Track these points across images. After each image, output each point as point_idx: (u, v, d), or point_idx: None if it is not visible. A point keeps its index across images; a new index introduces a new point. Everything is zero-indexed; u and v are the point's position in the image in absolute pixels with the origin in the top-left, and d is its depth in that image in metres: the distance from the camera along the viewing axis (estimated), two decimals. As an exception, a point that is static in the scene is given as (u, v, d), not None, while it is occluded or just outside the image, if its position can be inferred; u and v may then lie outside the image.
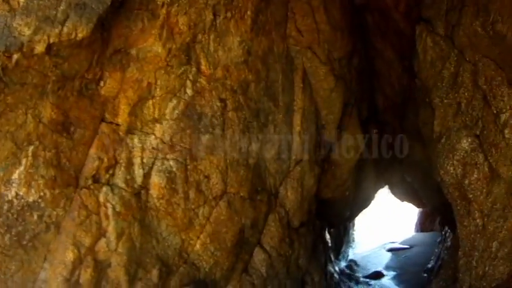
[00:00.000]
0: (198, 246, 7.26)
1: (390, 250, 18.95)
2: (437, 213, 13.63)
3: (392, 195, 19.47)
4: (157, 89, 6.73)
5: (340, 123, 11.51)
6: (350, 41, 10.57)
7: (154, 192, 6.75)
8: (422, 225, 21.42)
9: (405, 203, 19.67)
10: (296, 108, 9.24)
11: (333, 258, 15.52)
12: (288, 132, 9.04)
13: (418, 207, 19.50)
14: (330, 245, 15.19)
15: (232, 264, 7.84)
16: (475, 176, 6.74)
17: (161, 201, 6.81)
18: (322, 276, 11.76)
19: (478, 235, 6.70)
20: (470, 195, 6.76)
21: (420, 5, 8.69)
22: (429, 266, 14.99)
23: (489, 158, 6.54)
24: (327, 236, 15.08)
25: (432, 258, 15.47)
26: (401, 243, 19.89)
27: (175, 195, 6.90)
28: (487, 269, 6.41)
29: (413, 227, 22.33)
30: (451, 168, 7.09)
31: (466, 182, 6.82)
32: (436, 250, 15.42)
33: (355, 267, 16.55)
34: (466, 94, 7.03)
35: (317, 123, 10.14)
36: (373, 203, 17.42)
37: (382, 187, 17.79)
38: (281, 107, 8.76)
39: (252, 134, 8.06)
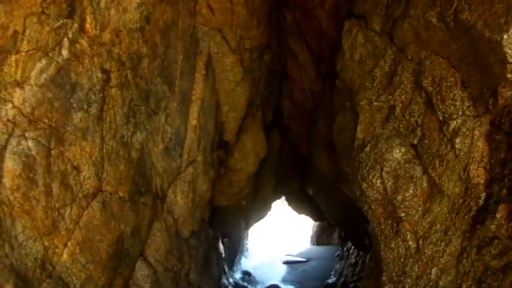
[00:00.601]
0: (65, 256, 5.55)
1: (286, 263, 18.19)
2: (341, 229, 13.06)
3: (289, 207, 18.80)
4: (25, 42, 5.01)
5: (242, 123, 10.43)
6: (266, 32, 9.41)
7: (7, 181, 4.96)
8: (319, 239, 21.07)
9: (302, 215, 19.13)
10: (194, 99, 7.87)
11: (226, 269, 14.35)
12: (182, 125, 7.62)
13: (315, 220, 19.04)
14: (223, 255, 14.02)
15: (110, 280, 6.24)
16: (411, 191, 5.79)
17: (16, 195, 5.01)
18: (216, 291, 10.50)
19: (411, 259, 5.76)
20: (402, 214, 5.79)
21: (351, 1, 7.84)
22: (329, 281, 14.37)
23: (430, 171, 5.56)
24: (221, 247, 13.88)
25: (332, 273, 14.88)
26: (297, 256, 19.27)
27: (34, 187, 5.15)
28: (427, 298, 5.56)
29: (309, 239, 21.94)
30: (377, 182, 6.12)
31: (399, 197, 5.84)
32: (337, 266, 14.88)
33: (250, 280, 15.48)
34: (403, 97, 6.09)
35: (216, 120, 8.87)
36: (269, 213, 16.55)
37: (279, 197, 17.01)
38: (177, 93, 7.34)
39: (138, 120, 6.51)
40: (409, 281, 5.78)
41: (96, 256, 5.97)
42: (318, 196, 12.74)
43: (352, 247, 13.40)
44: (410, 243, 5.86)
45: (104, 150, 5.91)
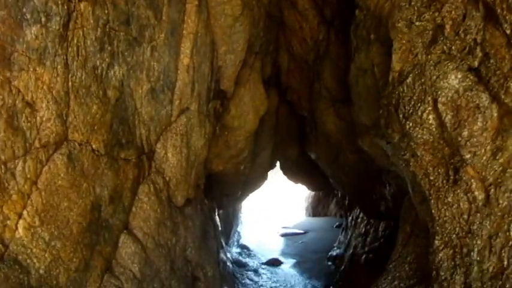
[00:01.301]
0: (20, 230, 3.89)
1: (284, 235, 16.87)
2: (349, 196, 11.66)
3: (284, 176, 17.37)
4: None
5: (239, 74, 8.88)
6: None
7: None
8: (315, 210, 19.77)
9: (298, 185, 17.72)
10: (186, 33, 6.21)
11: (223, 244, 12.95)
12: (171, 63, 5.98)
13: (313, 190, 17.66)
14: (220, 229, 12.59)
15: (85, 261, 4.64)
16: (479, 124, 4.29)
17: None
18: (216, 268, 9.01)
19: (478, 214, 4.35)
20: (467, 155, 4.29)
21: None
22: (333, 253, 13.04)
23: (502, 97, 4.11)
24: (217, 219, 12.42)
25: (336, 245, 13.55)
26: (294, 228, 17.95)
27: (-36, 129, 3.54)
28: (505, 262, 4.14)
29: (304, 211, 20.63)
30: (430, 117, 4.64)
31: (465, 133, 4.35)
32: (341, 237, 13.54)
33: (249, 254, 14.11)
34: (453, 13, 4.64)
35: (212, 63, 7.25)
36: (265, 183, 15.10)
37: (275, 166, 15.54)
38: (165, 23, 5.67)
39: (115, 49, 4.84)
40: (478, 242, 4.34)
41: (64, 230, 4.33)
42: (322, 160, 11.30)
43: (361, 215, 12.05)
44: (476, 193, 4.41)
45: (70, 83, 4.22)
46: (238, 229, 16.62)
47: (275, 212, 21.88)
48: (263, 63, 9.71)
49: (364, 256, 11.06)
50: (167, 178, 6.26)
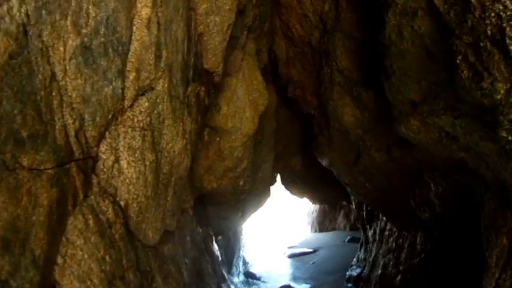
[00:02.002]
0: None
1: (292, 256, 13.87)
2: (374, 205, 8.85)
3: (287, 190, 14.48)
4: None
5: (229, 58, 6.16)
6: None
7: None
8: (321, 225, 16.85)
9: (302, 199, 14.84)
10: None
11: (226, 275, 10.00)
12: (120, 12, 3.14)
13: (320, 203, 14.78)
14: (220, 259, 9.67)
15: None
16: None
17: None
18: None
19: None
20: None
21: None
22: (353, 273, 10.10)
23: None
24: (215, 248, 9.51)
25: (354, 263, 10.62)
26: (301, 247, 14.97)
27: None
28: None
29: (309, 227, 17.69)
30: None
31: None
32: (360, 254, 10.61)
33: (256, 283, 11.12)
34: None
35: (189, 27, 4.56)
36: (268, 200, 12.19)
37: (275, 181, 12.67)
38: None
39: None
40: None
41: None
42: (337, 165, 8.50)
43: (388, 227, 9.18)
44: None
45: None
46: (242, 254, 13.62)
47: (278, 230, 18.86)
48: (257, 45, 6.97)
49: (399, 277, 8.18)
50: (122, 202, 3.38)
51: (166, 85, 3.86)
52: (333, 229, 16.41)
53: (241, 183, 7.57)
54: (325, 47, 7.09)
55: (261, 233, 17.55)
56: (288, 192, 13.91)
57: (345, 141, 7.74)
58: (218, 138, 6.70)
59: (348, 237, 14.98)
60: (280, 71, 8.43)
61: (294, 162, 11.11)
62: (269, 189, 11.03)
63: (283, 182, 13.27)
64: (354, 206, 12.15)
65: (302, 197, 13.48)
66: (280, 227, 19.34)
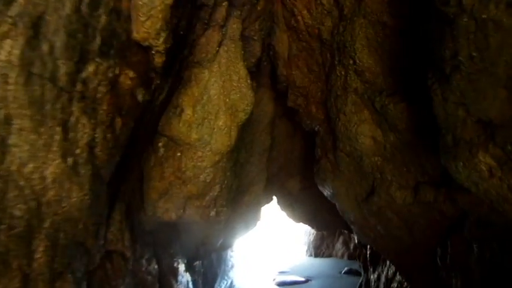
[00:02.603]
0: None
1: (281, 285, 11.38)
2: (384, 255, 6.29)
3: (282, 211, 11.99)
4: None
5: (201, 36, 3.85)
6: None
7: None
8: (317, 249, 14.33)
9: (300, 224, 12.33)
10: None
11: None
12: None
13: (318, 229, 12.25)
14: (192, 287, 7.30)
15: None
16: None
17: None
18: None
19: None
20: None
21: None
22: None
23: None
24: (185, 277, 7.12)
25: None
26: (293, 273, 12.45)
27: None
28: None
29: (305, 248, 15.14)
30: None
31: None
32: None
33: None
34: None
35: None
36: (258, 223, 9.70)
37: (270, 200, 10.22)
38: None
39: None
40: None
41: None
42: (342, 198, 5.99)
43: (398, 279, 6.68)
44: None
45: None
46: (228, 276, 11.20)
47: (270, 249, 16.31)
48: (245, 28, 4.62)
49: None
50: None
51: (18, 52, 1.53)
52: (330, 255, 13.87)
53: (212, 214, 5.16)
54: (340, 39, 4.70)
55: (252, 253, 15.04)
56: (284, 213, 11.40)
57: (356, 170, 5.31)
58: (179, 154, 4.34)
59: (345, 269, 12.43)
60: (279, 73, 6.03)
61: (292, 184, 8.67)
62: (259, 214, 8.58)
63: (279, 203, 10.80)
64: (356, 240, 9.65)
65: (298, 222, 10.98)
66: (273, 246, 16.78)
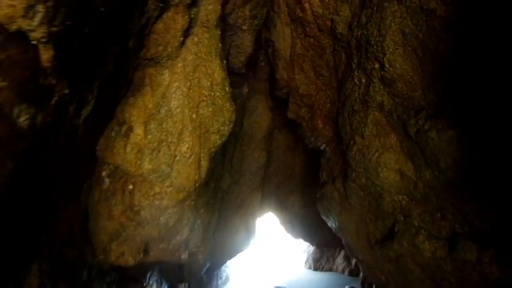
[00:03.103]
0: None
1: (277, 304, 9.95)
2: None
3: (281, 226, 10.54)
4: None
5: (156, 22, 2.39)
6: None
7: None
8: (316, 262, 12.88)
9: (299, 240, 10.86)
10: None
11: None
12: None
13: (319, 246, 10.81)
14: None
15: None
16: None
17: None
18: None
19: None
20: None
21: None
22: None
23: None
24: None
25: None
26: (289, 290, 10.99)
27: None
28: None
29: (303, 262, 13.71)
30: None
31: None
32: None
33: None
34: None
35: None
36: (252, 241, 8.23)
37: (264, 212, 8.75)
38: None
39: None
40: None
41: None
42: (350, 236, 4.55)
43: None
44: None
45: None
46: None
47: (266, 261, 14.86)
48: (227, 14, 3.16)
49: None
50: None
51: None
52: (330, 270, 12.36)
53: (184, 256, 3.74)
54: (361, 34, 3.23)
55: (248, 265, 13.59)
56: (283, 228, 9.98)
57: (372, 206, 3.86)
58: (131, 187, 2.92)
59: (346, 287, 10.92)
60: (279, 76, 4.56)
61: (291, 201, 7.25)
62: (253, 232, 7.13)
63: (276, 217, 9.38)
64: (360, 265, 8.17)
65: (298, 239, 9.56)
66: (270, 257, 15.34)
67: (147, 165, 2.69)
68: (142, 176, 2.76)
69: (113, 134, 2.65)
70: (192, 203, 3.09)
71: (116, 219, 3.01)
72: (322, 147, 4.57)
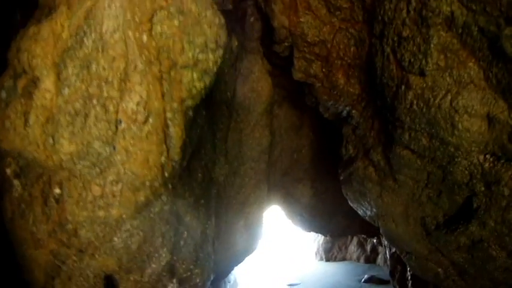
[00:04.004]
0: None
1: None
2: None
3: (288, 219, 9.20)
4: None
5: None
6: None
7: None
8: (328, 253, 11.61)
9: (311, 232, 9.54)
10: None
11: None
12: None
13: (332, 236, 9.49)
14: None
15: None
16: None
17: None
18: None
19: None
20: None
21: None
22: None
23: None
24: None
25: None
26: (303, 286, 9.72)
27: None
28: None
29: (314, 254, 12.41)
30: None
31: None
32: None
33: None
34: None
35: None
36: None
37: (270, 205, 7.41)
38: None
39: None
40: None
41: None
42: (403, 220, 3.27)
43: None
44: None
45: None
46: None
47: (276, 257, 13.51)
48: None
49: None
50: None
51: None
52: (343, 259, 11.12)
53: (172, 286, 2.39)
54: None
55: (257, 263, 12.25)
56: (291, 221, 8.63)
57: (436, 178, 2.56)
58: (58, 190, 1.57)
59: (365, 276, 9.66)
60: (276, 24, 3.22)
61: (300, 191, 5.90)
62: (259, 234, 5.76)
63: (283, 210, 8.04)
64: (388, 253, 6.90)
65: (309, 231, 8.23)
66: (279, 253, 13.97)
67: (66, 146, 1.38)
68: (66, 169, 1.44)
69: (3, 95, 1.34)
70: (166, 207, 1.76)
71: (44, 247, 1.68)
72: (344, 112, 3.25)
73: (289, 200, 6.26)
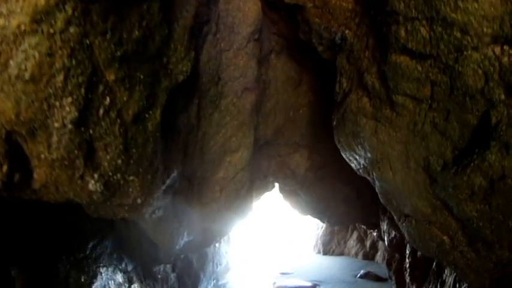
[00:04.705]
0: None
1: (282, 291, 8.00)
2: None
3: (285, 201, 8.59)
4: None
5: None
6: None
7: None
8: (326, 246, 10.89)
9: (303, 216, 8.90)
10: None
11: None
12: None
13: (332, 224, 8.81)
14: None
15: None
16: None
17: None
18: None
19: None
20: None
21: None
22: None
23: None
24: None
25: None
26: (297, 276, 9.08)
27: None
28: None
29: (313, 245, 11.69)
30: None
31: None
32: None
33: None
34: None
35: None
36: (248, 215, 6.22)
37: (271, 188, 6.81)
38: None
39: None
40: None
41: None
42: (401, 164, 2.69)
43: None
44: None
45: None
46: (222, 276, 8.08)
47: (271, 245, 12.83)
48: None
49: None
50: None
51: None
52: (341, 254, 10.44)
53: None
54: None
55: (250, 248, 11.65)
56: (287, 203, 8.04)
57: (440, 94, 2.00)
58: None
59: (361, 272, 9.01)
60: None
61: (296, 161, 5.30)
62: (249, 196, 5.18)
63: (280, 190, 7.48)
64: (376, 236, 6.23)
65: (305, 215, 7.61)
66: (275, 241, 13.32)
67: None
68: None
69: None
70: (72, 29, 1.21)
71: None
72: (338, 37, 2.71)
73: (285, 171, 5.69)
